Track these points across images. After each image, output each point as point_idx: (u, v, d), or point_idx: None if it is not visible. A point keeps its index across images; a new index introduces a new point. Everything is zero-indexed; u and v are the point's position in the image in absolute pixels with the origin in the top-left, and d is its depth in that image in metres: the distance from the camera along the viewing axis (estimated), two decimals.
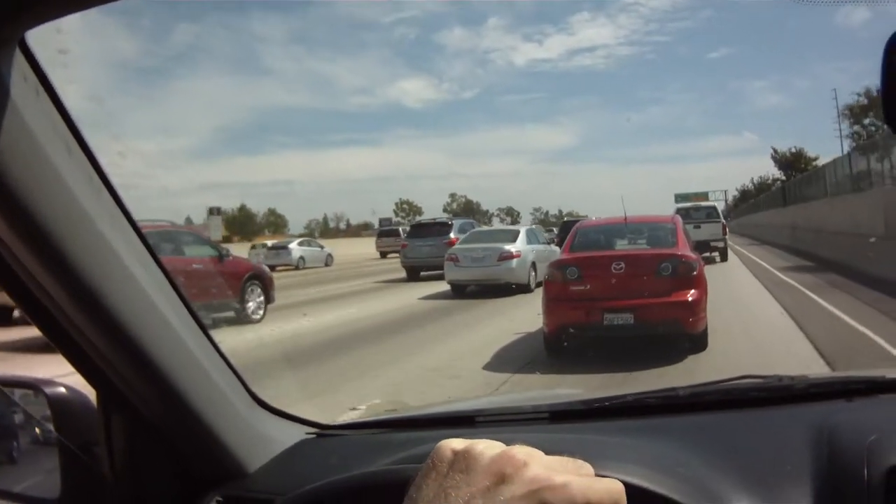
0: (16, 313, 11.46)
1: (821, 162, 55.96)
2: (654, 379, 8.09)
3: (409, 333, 12.97)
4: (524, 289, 18.51)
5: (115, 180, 1.18)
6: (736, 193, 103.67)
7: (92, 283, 1.13)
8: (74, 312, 1.17)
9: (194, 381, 1.37)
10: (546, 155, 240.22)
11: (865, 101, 62.55)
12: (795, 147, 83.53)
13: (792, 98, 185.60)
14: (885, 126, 1.15)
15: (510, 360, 10.02)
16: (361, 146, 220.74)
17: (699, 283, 9.49)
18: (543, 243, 21.33)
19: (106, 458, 1.42)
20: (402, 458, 1.39)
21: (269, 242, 44.12)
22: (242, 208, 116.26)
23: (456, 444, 0.72)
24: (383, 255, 43.52)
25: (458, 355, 10.51)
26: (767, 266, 23.57)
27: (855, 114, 62.97)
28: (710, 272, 11.07)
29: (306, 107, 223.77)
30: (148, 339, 1.25)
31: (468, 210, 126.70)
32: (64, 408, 1.46)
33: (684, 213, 25.92)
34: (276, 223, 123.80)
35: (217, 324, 11.89)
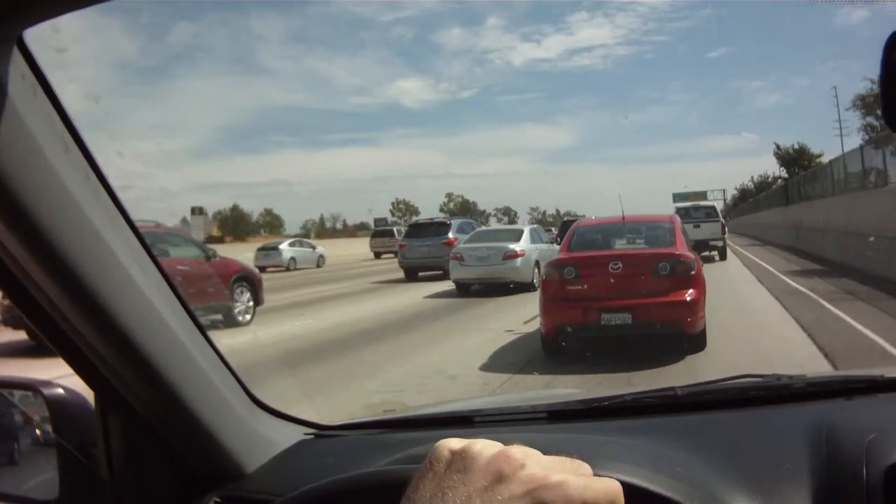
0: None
1: (825, 159, 53.35)
2: (653, 379, 8.09)
3: (407, 334, 12.94)
4: (528, 287, 18.46)
5: (112, 180, 1.18)
6: (735, 192, 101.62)
7: (89, 283, 1.13)
8: (72, 313, 1.17)
9: (192, 381, 1.37)
10: (544, 155, 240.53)
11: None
12: (798, 143, 79.64)
13: (791, 97, 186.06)
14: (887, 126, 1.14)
15: (510, 360, 10.01)
16: (359, 146, 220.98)
17: (697, 282, 9.47)
18: (546, 242, 21.38)
19: (104, 459, 1.42)
20: (400, 458, 1.39)
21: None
22: (235, 208, 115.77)
23: (453, 443, 0.72)
24: (377, 255, 43.41)
25: (457, 356, 10.50)
26: (773, 269, 21.68)
27: (868, 104, 58.95)
28: (712, 280, 10.93)
29: (305, 106, 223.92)
30: (145, 340, 1.25)
31: (465, 210, 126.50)
32: (62, 409, 1.46)
33: (683, 213, 26.27)
34: (272, 223, 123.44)
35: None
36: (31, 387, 1.50)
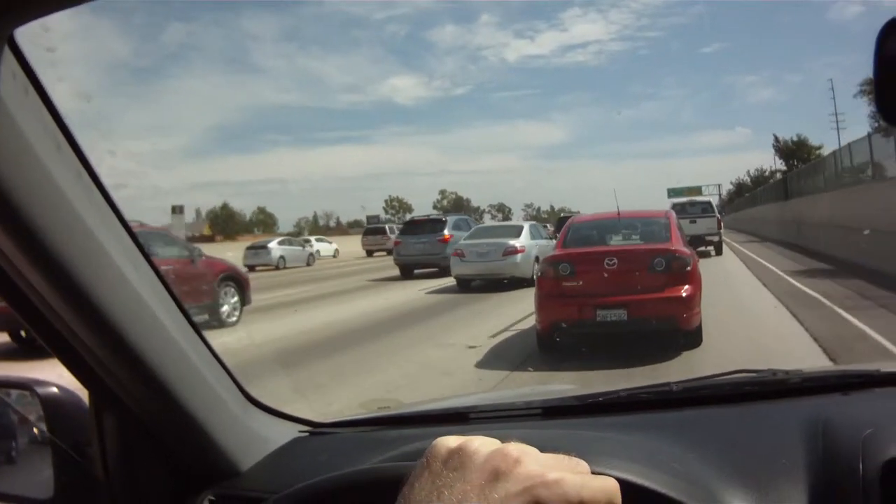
0: None
1: (825, 151, 52.01)
2: (649, 375, 8.08)
3: (401, 331, 12.96)
4: (529, 282, 18.46)
5: (105, 179, 1.18)
6: (731, 187, 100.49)
7: (82, 281, 1.12)
8: (65, 311, 1.16)
9: (186, 379, 1.37)
10: (538, 151, 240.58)
11: None
12: (798, 135, 78.04)
13: (785, 92, 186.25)
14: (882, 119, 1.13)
15: (507, 357, 10.04)
16: (353, 144, 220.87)
17: (693, 278, 9.45)
18: (545, 238, 21.47)
19: (99, 457, 1.41)
20: (395, 455, 1.39)
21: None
22: (225, 206, 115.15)
23: (450, 441, 0.72)
24: (369, 253, 43.52)
25: (453, 352, 10.51)
26: (775, 269, 19.90)
27: None
28: (712, 287, 10.85)
29: (298, 105, 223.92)
30: (139, 338, 1.25)
31: (458, 206, 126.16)
32: (56, 408, 1.45)
33: (680, 208, 26.49)
34: (265, 221, 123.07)
35: None
36: (26, 386, 1.50)
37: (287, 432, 1.69)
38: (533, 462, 0.68)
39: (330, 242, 46.82)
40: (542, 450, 0.71)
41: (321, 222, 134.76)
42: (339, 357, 10.53)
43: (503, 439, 0.73)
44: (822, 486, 1.16)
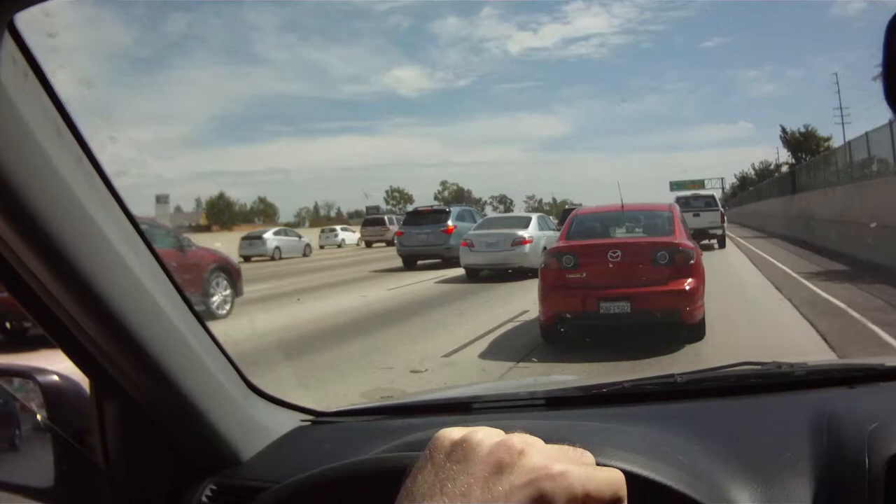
0: None
1: (834, 143, 50.55)
2: (653, 367, 8.08)
3: (405, 322, 12.95)
4: (536, 273, 18.54)
5: (105, 165, 1.17)
6: (735, 181, 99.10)
7: (83, 268, 1.12)
8: (65, 298, 1.16)
9: (188, 367, 1.36)
10: (540, 143, 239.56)
11: None
12: (806, 126, 72.11)
13: (787, 87, 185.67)
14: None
15: (514, 347, 10.03)
16: (356, 134, 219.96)
17: (696, 271, 9.45)
18: (553, 230, 21.50)
19: (99, 446, 1.41)
20: (398, 444, 1.38)
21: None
22: (222, 196, 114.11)
23: (454, 433, 0.71)
24: (368, 244, 43.28)
25: (456, 343, 10.49)
26: (787, 270, 17.75)
27: None
28: (721, 287, 10.67)
29: (301, 95, 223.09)
30: (140, 326, 1.24)
31: (459, 198, 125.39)
32: (57, 396, 1.45)
33: (683, 202, 26.72)
34: (265, 211, 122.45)
35: None
36: (27, 374, 1.49)
37: (289, 421, 1.69)
38: (537, 454, 0.67)
39: (354, 231, 46.57)
40: (547, 441, 0.70)
41: (322, 212, 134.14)
42: (338, 347, 10.51)
43: (507, 430, 0.72)
44: (827, 480, 1.16)
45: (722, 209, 30.37)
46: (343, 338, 11.20)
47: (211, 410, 1.43)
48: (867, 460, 1.13)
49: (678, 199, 27.23)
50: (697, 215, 27.33)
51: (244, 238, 37.56)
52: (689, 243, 9.88)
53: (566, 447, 0.70)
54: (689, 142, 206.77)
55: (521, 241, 19.80)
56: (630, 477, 0.72)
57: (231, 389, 1.51)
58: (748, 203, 64.86)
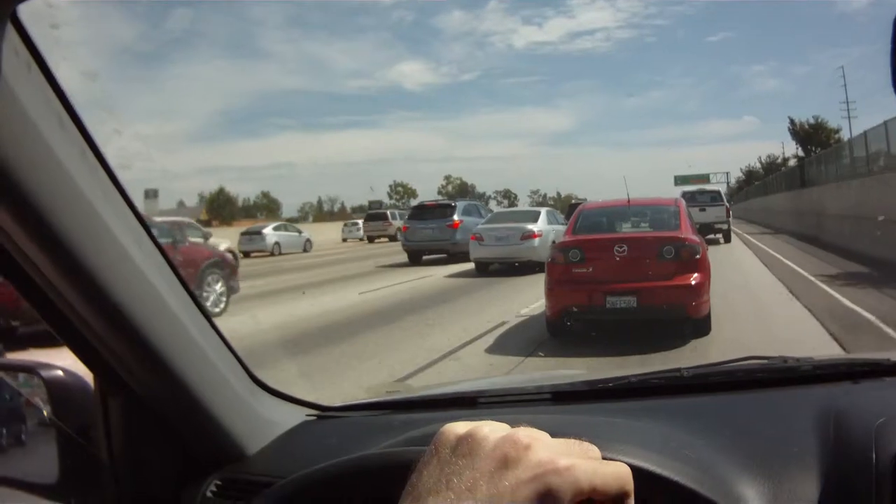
0: None
1: (844, 136, 48.65)
2: (659, 361, 8.08)
3: (411, 316, 12.95)
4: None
5: (109, 157, 1.17)
6: (741, 175, 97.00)
7: (87, 262, 1.11)
8: (69, 293, 1.15)
9: (193, 362, 1.36)
10: (545, 138, 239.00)
11: None
12: (815, 117, 68.90)
13: (791, 83, 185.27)
14: None
15: (521, 342, 10.04)
16: (361, 128, 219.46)
17: (702, 266, 9.46)
18: (562, 224, 21.59)
19: (104, 441, 1.41)
20: (404, 439, 1.38)
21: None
22: (221, 191, 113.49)
23: (459, 428, 0.71)
24: (371, 239, 43.21)
25: (463, 338, 10.49)
26: (801, 271, 16.21)
27: None
28: (731, 290, 10.36)
29: (305, 90, 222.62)
30: (145, 320, 1.24)
31: (463, 192, 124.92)
32: (61, 391, 1.45)
33: (689, 197, 26.98)
34: (268, 206, 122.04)
35: None
36: (30, 369, 1.49)
37: (294, 416, 1.69)
38: (543, 448, 0.67)
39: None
40: (553, 435, 0.70)
41: (325, 207, 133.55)
42: (342, 342, 10.52)
43: (513, 424, 0.71)
44: (834, 475, 1.15)
45: (727, 204, 30.73)
46: (348, 333, 11.21)
47: (216, 405, 1.43)
48: (874, 455, 1.12)
49: (684, 194, 27.43)
50: (703, 210, 27.70)
51: (243, 233, 37.44)
52: (695, 238, 9.89)
53: (572, 441, 0.70)
54: (693, 136, 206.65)
55: (531, 235, 19.97)
56: (637, 471, 0.71)
57: (236, 384, 1.51)
58: (754, 198, 63.57)
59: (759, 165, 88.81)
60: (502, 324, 11.47)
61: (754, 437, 1.28)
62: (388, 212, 46.73)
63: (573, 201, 37.97)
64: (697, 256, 9.44)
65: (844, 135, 51.89)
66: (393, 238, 40.24)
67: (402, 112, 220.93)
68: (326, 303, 14.94)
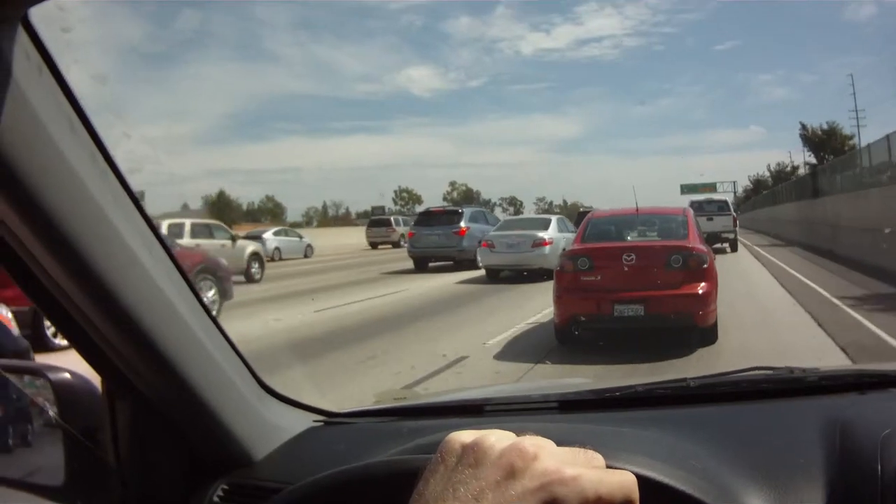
0: None
1: (861, 141, 47.17)
2: (666, 370, 8.11)
3: (418, 323, 12.97)
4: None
5: (119, 161, 1.17)
6: (748, 184, 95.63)
7: (96, 265, 1.12)
8: (77, 296, 1.16)
9: (200, 366, 1.36)
10: (552, 145, 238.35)
11: None
12: (828, 122, 66.04)
13: (799, 92, 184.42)
14: None
15: (528, 349, 10.05)
16: (368, 134, 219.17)
17: (710, 275, 9.52)
18: (572, 231, 21.65)
19: (110, 444, 1.41)
20: (411, 447, 1.38)
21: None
22: (222, 194, 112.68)
23: (465, 436, 0.71)
24: (373, 245, 42.86)
25: (471, 345, 10.49)
26: (822, 291, 14.51)
27: None
28: (747, 320, 10.38)
29: (313, 94, 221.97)
30: (154, 324, 1.24)
31: (468, 199, 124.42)
32: (68, 394, 1.45)
33: (697, 206, 27.26)
34: (273, 210, 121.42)
35: None
36: (38, 371, 1.49)
37: (302, 422, 1.69)
38: (549, 457, 0.67)
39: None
40: (560, 443, 0.70)
41: (330, 212, 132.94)
42: (350, 348, 10.54)
43: (519, 433, 0.72)
44: (839, 487, 1.15)
45: (734, 214, 31.17)
46: (356, 339, 11.23)
47: (224, 410, 1.43)
48: (880, 467, 1.12)
49: (692, 204, 27.73)
50: (711, 219, 27.96)
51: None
52: (703, 247, 9.97)
53: (577, 450, 0.70)
54: (700, 145, 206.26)
55: (542, 243, 20.10)
56: (642, 481, 0.72)
57: (244, 389, 1.51)
58: (762, 207, 62.35)
59: (767, 174, 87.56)
60: (510, 331, 11.48)
61: (760, 448, 1.28)
62: (392, 218, 46.52)
63: (581, 209, 38.07)
64: (705, 266, 9.51)
65: (859, 141, 50.17)
66: (396, 244, 40.09)
67: (409, 117, 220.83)
68: (334, 308, 14.99)
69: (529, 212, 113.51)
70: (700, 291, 9.28)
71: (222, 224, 24.97)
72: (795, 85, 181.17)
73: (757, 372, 1.68)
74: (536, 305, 13.73)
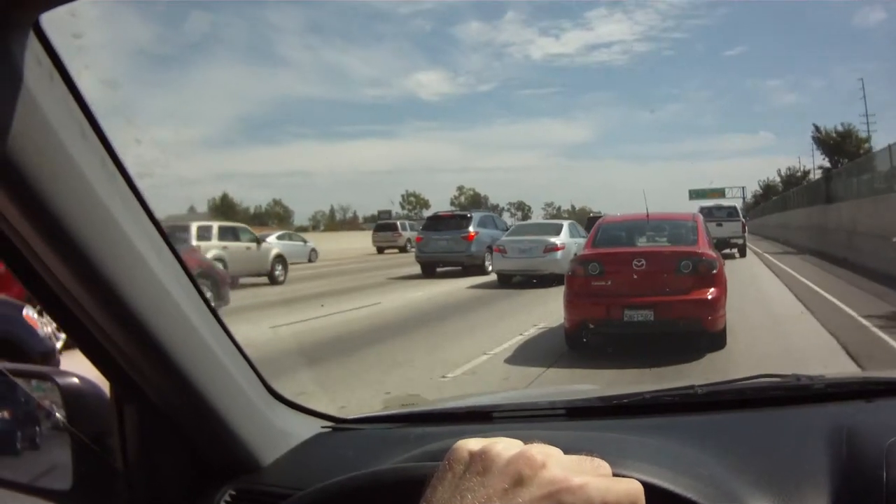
0: None
1: (876, 143, 45.85)
2: (678, 374, 8.18)
3: (426, 329, 12.97)
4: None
5: (129, 166, 1.17)
6: (757, 189, 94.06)
7: (104, 270, 1.12)
8: (86, 300, 1.16)
9: (209, 371, 1.36)
10: (561, 149, 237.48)
11: None
12: (843, 124, 60.69)
13: (808, 97, 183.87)
14: None
15: (538, 355, 10.05)
16: (377, 138, 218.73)
17: (719, 281, 9.53)
18: (583, 237, 21.64)
19: (118, 449, 1.41)
20: (419, 454, 1.38)
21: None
22: (225, 197, 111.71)
23: (472, 444, 0.71)
24: (380, 250, 42.45)
25: (481, 351, 10.49)
26: (846, 308, 12.67)
27: None
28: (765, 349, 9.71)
29: (322, 98, 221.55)
30: (162, 328, 1.24)
31: (476, 203, 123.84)
32: (76, 398, 1.45)
33: (707, 212, 27.48)
34: (280, 214, 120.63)
35: None
36: (46, 376, 1.49)
37: (309, 427, 1.69)
38: (557, 466, 0.67)
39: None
40: (567, 451, 0.70)
41: (338, 216, 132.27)
42: (357, 354, 10.53)
43: (527, 440, 0.72)
44: (845, 494, 1.15)
45: (743, 220, 31.52)
46: (364, 344, 11.23)
47: (231, 415, 1.43)
48: (885, 474, 1.13)
49: (702, 209, 27.88)
50: (720, 225, 28.19)
51: None
52: (713, 253, 10.00)
53: (584, 458, 0.70)
54: (709, 150, 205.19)
55: (554, 248, 20.10)
56: (648, 488, 0.72)
57: (252, 394, 1.51)
58: (772, 213, 60.95)
59: (778, 178, 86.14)
60: (520, 336, 11.50)
61: (766, 455, 1.28)
62: (399, 222, 46.26)
63: (591, 215, 38.02)
64: (714, 271, 9.54)
65: (875, 144, 48.41)
66: (403, 249, 39.86)
67: (418, 122, 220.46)
68: (341, 314, 14.88)
69: (537, 216, 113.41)
70: (709, 297, 9.31)
71: (248, 227, 25.12)
72: (804, 90, 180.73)
73: (764, 379, 1.67)
74: (545, 310, 13.71)
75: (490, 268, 22.63)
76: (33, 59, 0.97)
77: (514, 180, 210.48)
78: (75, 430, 1.41)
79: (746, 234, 31.32)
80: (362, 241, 47.21)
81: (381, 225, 47.36)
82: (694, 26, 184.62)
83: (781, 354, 9.41)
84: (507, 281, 20.65)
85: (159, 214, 1.26)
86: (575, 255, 18.04)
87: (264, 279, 22.38)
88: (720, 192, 72.14)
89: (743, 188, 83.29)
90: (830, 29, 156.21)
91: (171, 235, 1.29)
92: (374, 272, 26.83)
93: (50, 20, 0.98)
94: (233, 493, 1.46)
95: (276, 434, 1.57)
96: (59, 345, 6.00)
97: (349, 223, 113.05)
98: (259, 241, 23.14)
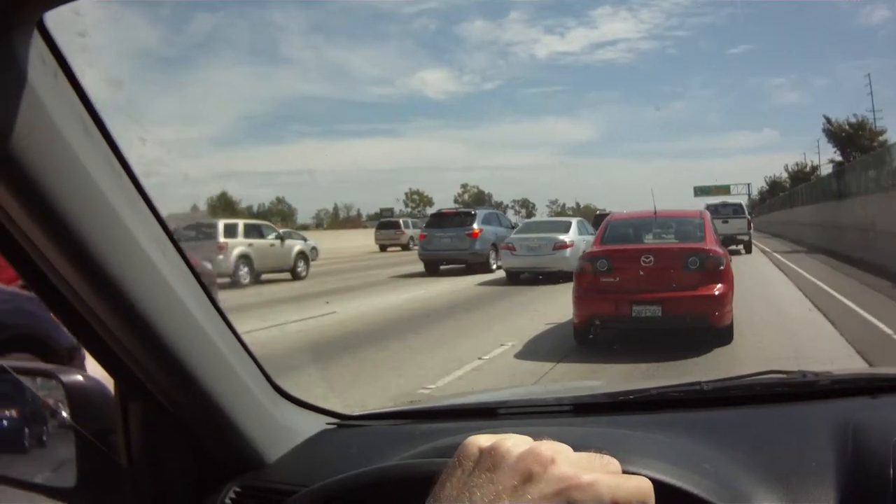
0: None
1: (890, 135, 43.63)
2: (686, 369, 8.22)
3: (431, 326, 12.97)
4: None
5: (134, 165, 1.17)
6: (763, 185, 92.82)
7: (109, 268, 1.12)
8: (91, 299, 1.16)
9: (213, 368, 1.36)
10: (566, 148, 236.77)
11: None
12: (855, 115, 56.48)
13: (811, 95, 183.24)
14: None
15: (546, 351, 10.10)
16: (382, 136, 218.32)
17: (726, 277, 9.62)
18: (592, 234, 21.64)
19: (123, 446, 1.41)
20: (425, 450, 1.38)
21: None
22: (223, 195, 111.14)
23: (482, 441, 0.71)
24: (383, 248, 42.45)
25: (486, 348, 10.50)
26: (875, 321, 10.99)
27: None
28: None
29: (326, 97, 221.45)
30: (167, 326, 1.24)
31: (479, 201, 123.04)
32: (80, 396, 1.45)
33: (713, 209, 27.47)
34: (283, 212, 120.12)
35: None
36: (50, 373, 1.49)
37: (315, 424, 1.68)
38: (566, 463, 0.67)
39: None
40: (575, 448, 0.70)
41: (342, 214, 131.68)
42: (364, 351, 10.56)
43: (535, 436, 0.72)
44: (851, 490, 1.15)
45: (749, 217, 32.10)
46: (370, 341, 11.25)
47: (236, 412, 1.42)
48: (891, 471, 1.12)
49: (708, 207, 27.86)
50: (726, 222, 28.62)
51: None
52: (719, 249, 10.11)
53: (593, 455, 0.70)
54: (714, 148, 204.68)
55: (563, 246, 20.15)
56: (657, 485, 0.71)
57: (257, 391, 1.51)
58: (779, 210, 58.52)
59: (785, 174, 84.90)
60: (529, 332, 11.51)
61: (773, 452, 1.28)
62: (401, 220, 46.10)
63: (597, 212, 38.03)
64: (721, 267, 9.63)
65: (891, 136, 46.09)
66: (405, 247, 39.85)
67: (423, 120, 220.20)
68: (345, 311, 14.92)
69: (542, 214, 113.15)
70: (717, 293, 9.39)
71: (272, 224, 25.72)
72: (808, 88, 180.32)
73: (770, 376, 1.67)
74: (553, 307, 13.71)
75: (495, 265, 22.69)
76: (37, 57, 0.97)
77: (519, 178, 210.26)
78: (80, 428, 1.41)
79: (752, 231, 31.65)
80: (365, 238, 47.13)
81: (384, 223, 47.40)
82: (698, 24, 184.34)
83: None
84: (516, 278, 20.67)
85: (163, 212, 1.26)
86: (583, 252, 18.19)
87: (286, 275, 23.25)
88: (725, 189, 71.96)
89: (748, 185, 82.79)
90: (834, 27, 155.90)
91: (197, 233, 1.29)
92: (377, 270, 26.74)
93: (54, 19, 0.98)
94: (238, 489, 1.46)
95: (282, 431, 1.57)
96: None
97: (352, 221, 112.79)
98: (283, 238, 23.81)
